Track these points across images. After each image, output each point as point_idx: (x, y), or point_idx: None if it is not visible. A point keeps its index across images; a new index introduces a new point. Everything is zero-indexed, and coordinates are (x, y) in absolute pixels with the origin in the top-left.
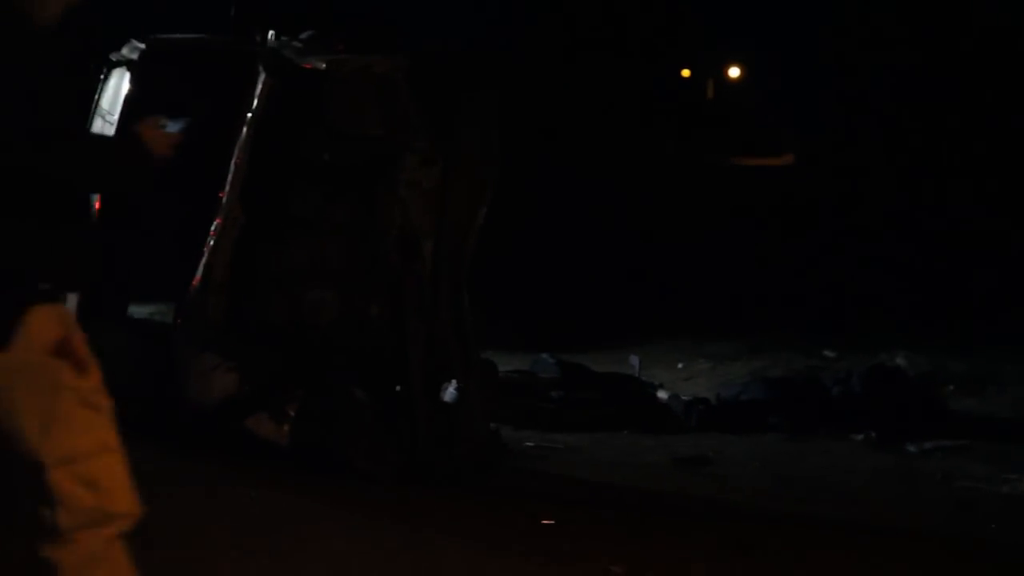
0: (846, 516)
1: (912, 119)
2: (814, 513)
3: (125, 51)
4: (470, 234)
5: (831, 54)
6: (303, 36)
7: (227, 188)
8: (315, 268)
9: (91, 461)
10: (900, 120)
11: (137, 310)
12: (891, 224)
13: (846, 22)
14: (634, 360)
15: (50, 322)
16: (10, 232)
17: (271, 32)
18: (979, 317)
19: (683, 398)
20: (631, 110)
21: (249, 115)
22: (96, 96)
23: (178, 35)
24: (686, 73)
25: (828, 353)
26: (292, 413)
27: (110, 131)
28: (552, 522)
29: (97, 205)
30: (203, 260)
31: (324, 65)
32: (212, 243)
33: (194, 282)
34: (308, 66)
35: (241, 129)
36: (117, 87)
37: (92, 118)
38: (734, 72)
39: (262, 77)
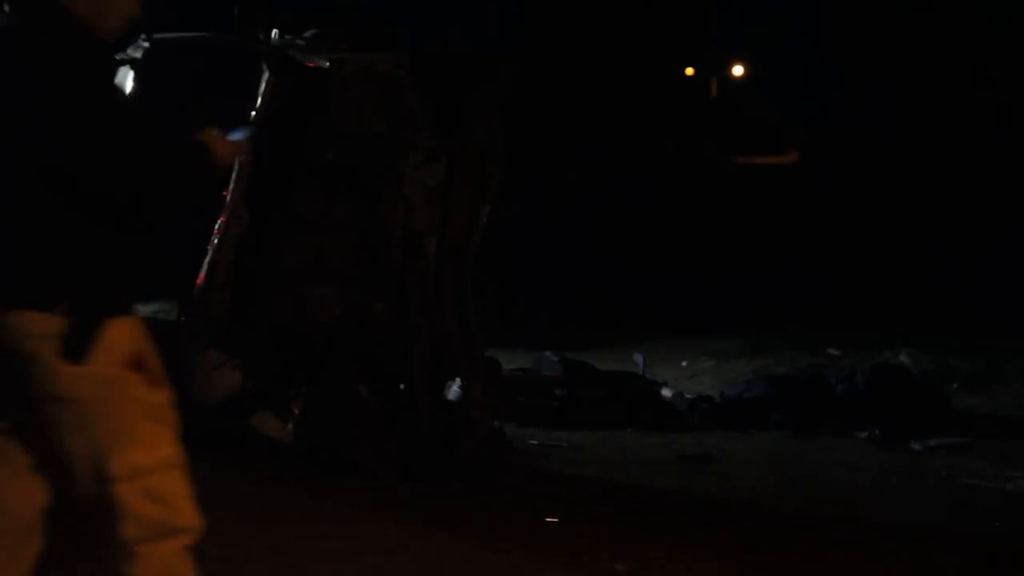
0: (850, 514)
1: (917, 117)
2: (818, 511)
3: (129, 50)
4: (474, 232)
5: (835, 52)
6: (306, 34)
7: (231, 187)
8: (319, 266)
9: (157, 476)
10: (905, 118)
11: (140, 308)
12: (896, 222)
13: (849, 19)
14: (638, 358)
15: (126, 335)
16: (90, 245)
17: (274, 31)
18: (983, 315)
19: (687, 396)
20: (634, 108)
21: (253, 114)
22: None
23: (182, 34)
24: (689, 71)
25: (832, 351)
26: (296, 411)
27: None
28: (555, 520)
29: None
30: (207, 258)
31: (327, 63)
32: (216, 241)
33: (198, 280)
34: (312, 64)
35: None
36: (121, 86)
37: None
38: (738, 71)
39: (265, 76)
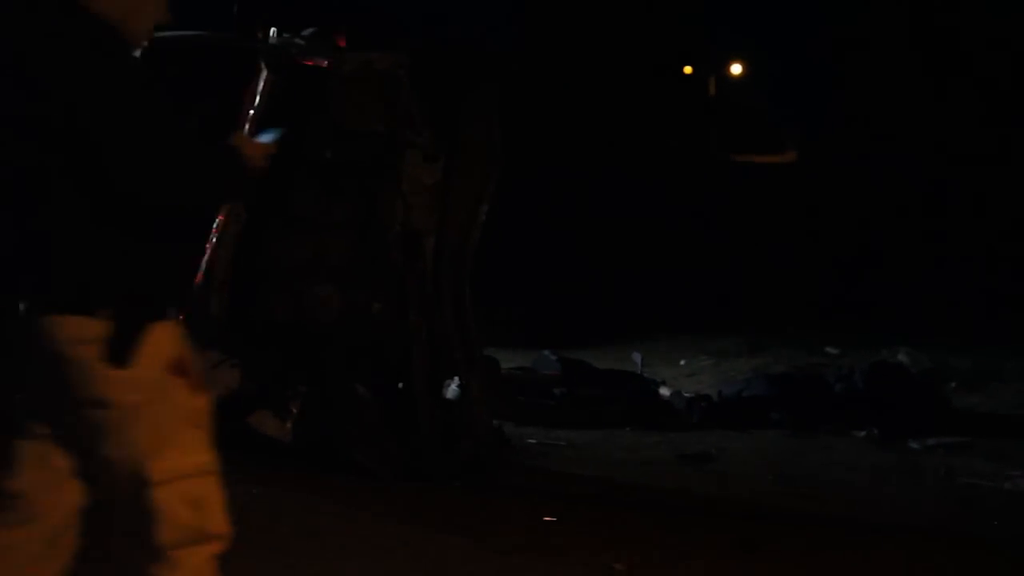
0: (848, 513)
1: (914, 116)
2: (816, 510)
3: None
4: (472, 231)
5: (833, 51)
6: (305, 33)
7: None
8: (317, 265)
9: (195, 481)
10: (903, 117)
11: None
12: (893, 221)
13: (848, 18)
14: (636, 357)
15: (167, 340)
16: (132, 250)
17: (273, 29)
18: (981, 313)
19: (685, 395)
20: (633, 107)
21: (251, 112)
22: None
23: (180, 32)
24: (688, 70)
25: (830, 350)
26: (294, 410)
27: None
28: (554, 519)
29: None
30: (205, 257)
31: (326, 62)
32: (214, 240)
33: (196, 279)
34: (310, 63)
35: (243, 126)
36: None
37: None
38: (736, 69)
39: (264, 74)
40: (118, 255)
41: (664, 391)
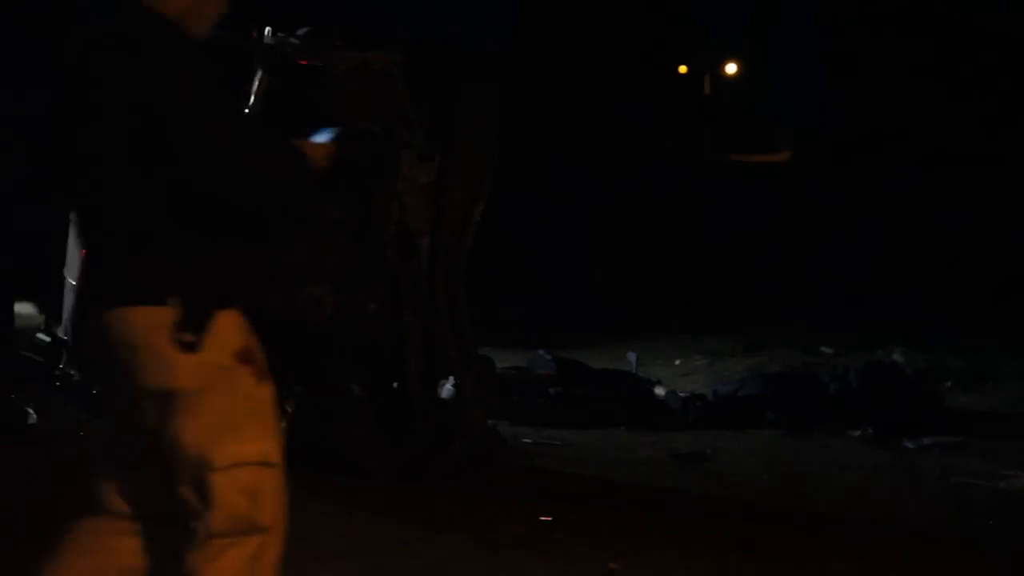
0: (844, 512)
1: (910, 114)
2: (812, 509)
3: None
4: (467, 230)
5: (828, 50)
6: (300, 32)
7: None
8: (312, 264)
9: (253, 470)
10: (897, 116)
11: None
12: (889, 220)
13: (843, 17)
14: (631, 356)
15: (235, 328)
16: (201, 244)
17: (268, 28)
18: (976, 314)
19: (680, 394)
20: (628, 106)
21: (246, 111)
22: None
23: None
24: (683, 69)
25: (825, 349)
26: (289, 410)
27: None
28: (549, 518)
29: None
30: None
31: (321, 61)
32: None
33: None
34: (305, 62)
35: None
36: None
37: None
38: (731, 68)
39: (259, 74)
40: (189, 247)
41: (659, 390)
